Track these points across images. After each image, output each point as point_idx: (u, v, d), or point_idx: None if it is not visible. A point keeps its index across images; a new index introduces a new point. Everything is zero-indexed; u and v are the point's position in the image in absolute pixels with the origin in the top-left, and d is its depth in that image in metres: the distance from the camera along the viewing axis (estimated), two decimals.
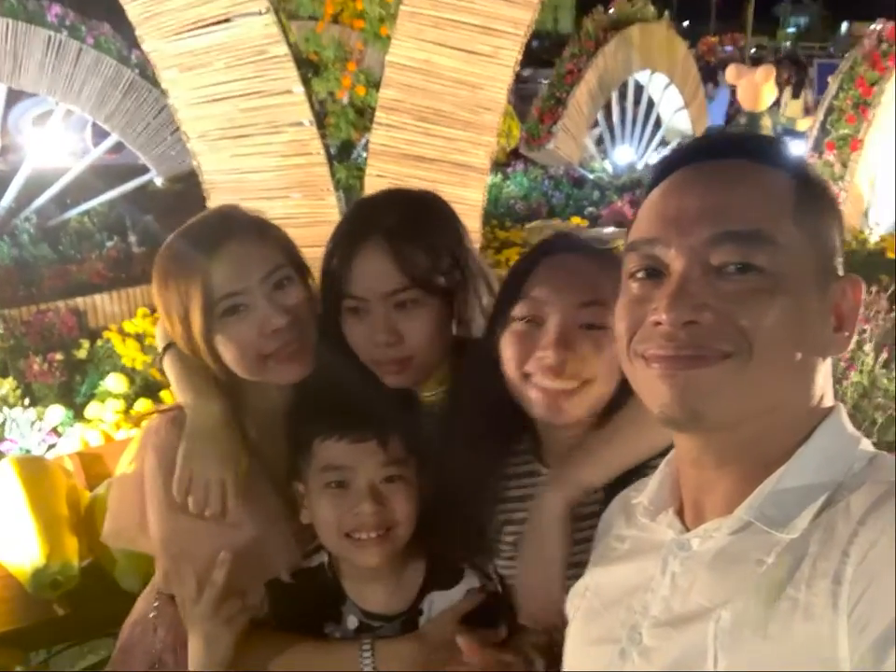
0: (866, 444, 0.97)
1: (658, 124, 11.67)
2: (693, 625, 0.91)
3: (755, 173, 0.93)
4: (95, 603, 2.37)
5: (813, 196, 0.94)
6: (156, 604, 1.64)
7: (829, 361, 0.97)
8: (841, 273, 0.95)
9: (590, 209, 8.68)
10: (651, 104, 11.37)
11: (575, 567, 1.39)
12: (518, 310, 1.33)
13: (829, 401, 0.97)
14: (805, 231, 0.91)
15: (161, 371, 1.64)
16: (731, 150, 0.96)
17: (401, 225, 1.50)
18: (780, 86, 14.28)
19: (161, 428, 1.53)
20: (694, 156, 0.98)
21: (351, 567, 1.50)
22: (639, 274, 0.96)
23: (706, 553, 0.96)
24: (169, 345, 1.60)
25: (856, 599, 0.78)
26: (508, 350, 1.34)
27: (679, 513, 1.04)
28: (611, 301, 1.25)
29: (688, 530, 1.01)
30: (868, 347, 4.97)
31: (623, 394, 1.30)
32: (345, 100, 5.77)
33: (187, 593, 1.42)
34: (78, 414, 4.31)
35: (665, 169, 1.00)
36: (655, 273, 0.94)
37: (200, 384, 1.52)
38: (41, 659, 2.71)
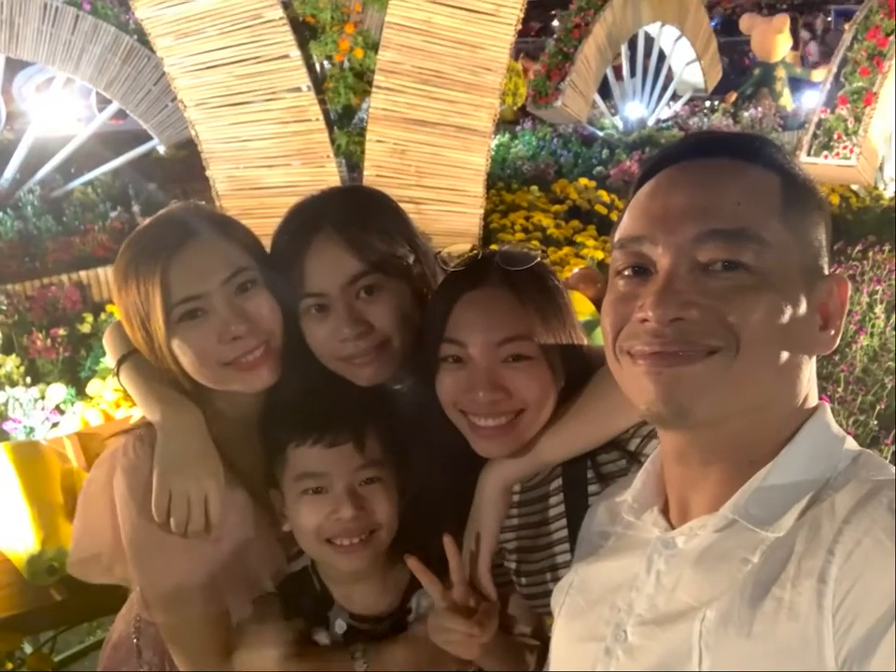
0: (851, 443, 0.96)
1: (669, 78, 11.46)
2: (677, 624, 0.91)
3: (742, 171, 0.93)
4: (93, 587, 2.38)
5: (800, 195, 0.93)
6: (137, 625, 1.59)
7: (814, 360, 0.96)
8: (827, 271, 0.95)
9: (599, 168, 8.54)
10: (661, 56, 11.15)
11: (522, 552, 1.42)
12: (443, 351, 1.33)
13: (814, 400, 0.97)
14: (791, 230, 0.90)
15: (120, 385, 1.58)
16: (718, 149, 0.96)
17: (348, 214, 1.46)
18: (796, 35, 13.96)
19: (129, 449, 1.44)
20: (682, 155, 0.97)
21: (335, 571, 1.47)
22: (626, 272, 0.96)
23: (691, 551, 0.95)
24: (123, 357, 1.52)
25: (841, 598, 0.77)
26: (441, 390, 1.34)
27: (665, 511, 1.04)
28: (536, 328, 1.28)
29: (673, 528, 1.00)
30: (879, 309, 4.89)
31: (575, 385, 1.32)
32: (344, 63, 5.67)
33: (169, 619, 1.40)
34: (81, 391, 4.33)
35: (652, 168, 0.99)
36: (642, 270, 0.94)
37: (167, 395, 1.45)
38: (49, 636, 2.75)
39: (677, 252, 0.90)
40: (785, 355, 0.89)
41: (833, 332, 0.94)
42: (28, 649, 2.68)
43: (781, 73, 12.57)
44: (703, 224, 0.89)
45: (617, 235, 0.98)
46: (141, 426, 1.47)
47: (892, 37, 6.74)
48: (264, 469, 1.48)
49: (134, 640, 1.59)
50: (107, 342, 1.60)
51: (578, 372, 1.32)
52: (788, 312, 0.88)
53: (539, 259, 1.36)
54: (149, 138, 7.43)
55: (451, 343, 1.31)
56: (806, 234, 0.92)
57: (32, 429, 3.91)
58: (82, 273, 5.85)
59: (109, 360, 4.56)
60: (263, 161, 5.55)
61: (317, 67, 5.83)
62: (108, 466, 1.48)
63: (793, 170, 0.95)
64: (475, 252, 1.41)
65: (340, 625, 1.47)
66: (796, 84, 13.05)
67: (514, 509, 1.43)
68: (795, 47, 14.75)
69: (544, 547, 1.39)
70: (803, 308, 0.90)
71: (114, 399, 3.93)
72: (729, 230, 0.88)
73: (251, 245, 1.49)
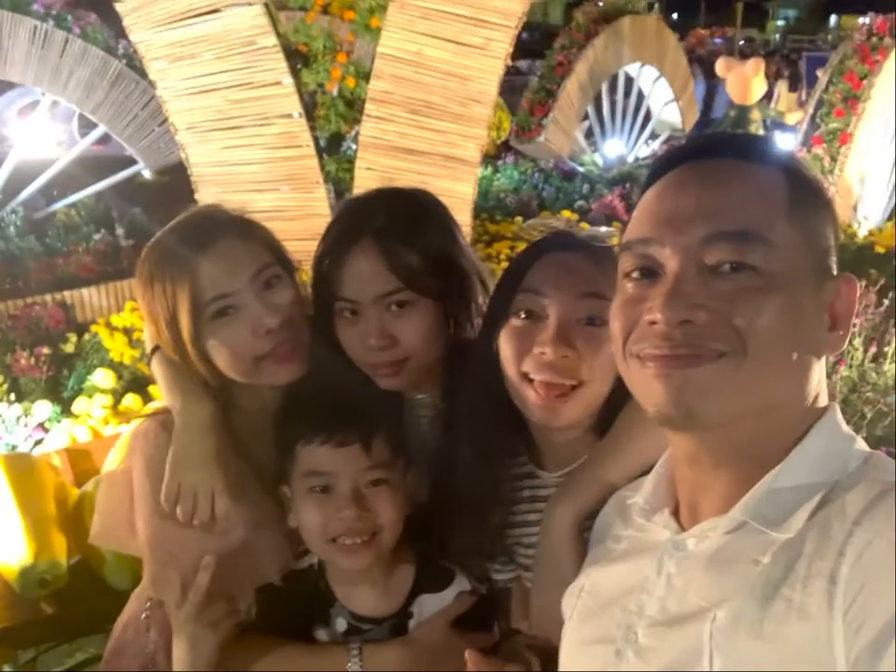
0: (861, 444, 0.97)
1: (648, 117, 11.67)
2: (688, 625, 0.91)
3: (749, 172, 0.94)
4: (84, 601, 2.34)
5: (807, 195, 0.94)
6: (148, 605, 1.62)
7: (823, 360, 0.97)
8: (835, 271, 0.96)
9: (580, 202, 8.65)
10: (640, 96, 11.36)
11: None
12: (516, 305, 1.31)
13: (823, 401, 0.97)
14: (799, 230, 0.91)
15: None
16: (725, 150, 0.97)
17: (392, 225, 1.48)
18: (769, 79, 14.29)
19: (149, 432, 1.50)
20: (688, 156, 0.98)
21: (339, 570, 1.49)
22: (634, 274, 0.96)
23: (701, 553, 0.95)
24: (156, 348, 1.56)
25: (851, 599, 0.78)
26: (506, 347, 1.32)
27: (675, 514, 1.04)
28: (610, 295, 1.24)
29: (684, 530, 1.01)
30: (858, 342, 4.98)
31: (620, 395, 1.28)
32: (335, 92, 5.73)
33: (171, 595, 1.40)
34: (66, 409, 4.28)
35: (659, 169, 1.00)
36: (650, 272, 0.94)
37: (188, 387, 1.48)
38: (29, 657, 2.69)
39: (684, 254, 0.91)
40: (794, 356, 0.90)
41: (841, 332, 0.95)
42: (8, 669, 2.62)
43: (756, 115, 12.84)
44: (710, 226, 0.90)
45: (625, 238, 0.99)
46: (164, 412, 1.52)
47: (866, 81, 6.95)
48: (275, 465, 1.50)
49: (144, 615, 1.61)
50: (147, 328, 1.63)
51: None
52: (796, 313, 0.89)
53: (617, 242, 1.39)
54: (132, 163, 7.41)
55: (530, 294, 1.30)
56: (814, 234, 0.93)
57: (14, 447, 3.85)
58: (66, 293, 5.79)
59: (98, 378, 4.50)
60: (253, 185, 5.56)
61: (305, 96, 5.89)
62: (130, 448, 1.55)
63: (800, 170, 0.96)
64: (557, 229, 1.44)
65: (340, 624, 1.48)
66: (770, 127, 13.35)
67: (527, 504, 1.43)
68: (793, 88, 15.12)
69: None
70: (811, 309, 0.91)
71: (102, 417, 3.88)
72: (736, 231, 0.89)
73: (272, 243, 1.54)
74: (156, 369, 1.55)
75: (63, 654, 3.16)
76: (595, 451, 1.31)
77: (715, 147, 0.98)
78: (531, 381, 1.29)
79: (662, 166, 0.99)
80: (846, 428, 0.97)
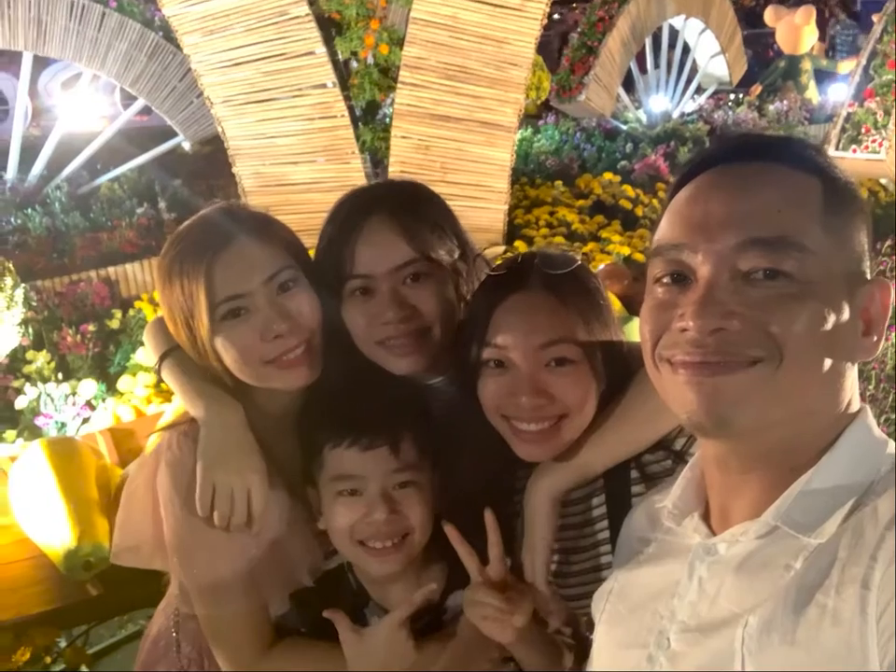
0: (893, 447, 0.95)
1: (694, 70, 11.36)
2: (720, 631, 0.90)
3: (781, 176, 0.91)
4: (129, 582, 2.39)
5: (841, 199, 0.92)
6: (176, 619, 1.61)
7: (856, 365, 0.95)
8: (869, 276, 0.93)
9: (623, 162, 8.48)
10: (686, 49, 11.05)
11: (565, 552, 1.41)
12: (485, 355, 1.33)
13: (856, 405, 0.95)
14: (833, 236, 0.89)
15: (161, 381, 1.59)
16: (757, 153, 0.94)
17: (403, 202, 1.49)
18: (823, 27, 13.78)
19: (173, 443, 1.46)
20: (720, 159, 0.96)
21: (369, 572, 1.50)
22: (665, 279, 0.95)
23: (733, 557, 0.95)
24: (166, 353, 1.53)
25: (884, 605, 0.76)
26: (484, 395, 1.34)
27: (705, 518, 1.03)
28: (578, 331, 1.28)
29: (714, 535, 1.00)
30: None
31: (615, 386, 1.32)
32: (369, 59, 5.67)
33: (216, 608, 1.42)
34: (111, 387, 4.38)
35: (690, 172, 0.97)
36: (681, 278, 0.93)
37: (209, 390, 1.46)
38: (82, 629, 2.79)
39: (717, 260, 0.89)
40: (828, 363, 0.88)
41: (875, 338, 0.93)
42: (62, 643, 2.72)
43: (807, 65, 12.43)
44: (744, 232, 0.88)
45: (655, 242, 0.97)
46: (185, 421, 1.49)
47: None
48: (302, 467, 1.49)
49: (174, 634, 1.61)
50: (148, 338, 1.62)
51: (619, 373, 1.32)
52: (831, 320, 0.87)
53: (579, 261, 1.36)
54: (174, 134, 7.46)
55: (493, 348, 1.31)
56: (848, 240, 0.91)
57: (63, 425, 3.95)
58: (110, 269, 5.89)
59: (140, 356, 4.57)
60: (289, 157, 5.57)
61: (342, 63, 5.85)
62: (153, 461, 1.51)
63: (834, 173, 0.93)
64: (515, 255, 1.41)
65: (376, 623, 1.46)
66: (822, 76, 12.90)
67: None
68: (822, 38, 14.58)
69: (587, 548, 1.39)
70: (845, 315, 0.89)
71: (145, 396, 3.96)
72: (770, 238, 0.87)
73: (292, 245, 1.51)
74: (169, 376, 1.53)
75: (115, 626, 3.29)
76: (578, 439, 1.33)
77: (747, 149, 0.96)
78: (513, 424, 1.32)
79: (693, 168, 0.97)
80: (877, 432, 0.95)
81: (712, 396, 0.88)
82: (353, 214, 1.48)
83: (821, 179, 0.92)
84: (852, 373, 0.93)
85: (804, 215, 0.89)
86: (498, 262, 1.50)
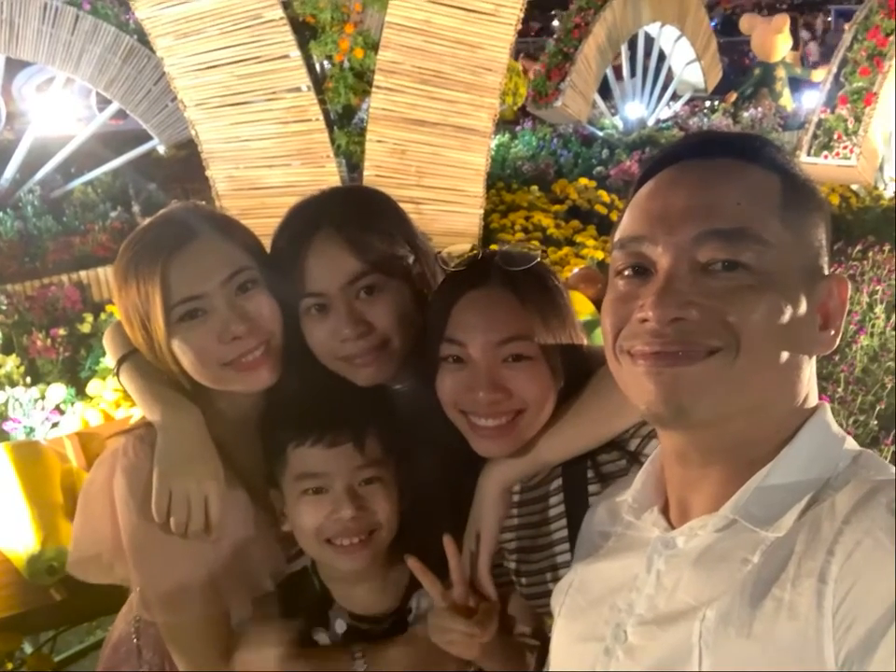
0: (851, 443, 0.96)
1: (669, 78, 11.44)
2: (678, 624, 0.90)
3: (742, 171, 0.93)
4: (93, 587, 2.36)
5: (800, 195, 0.93)
6: (137, 625, 1.58)
7: (814, 360, 0.96)
8: (827, 271, 0.95)
9: (599, 168, 8.53)
10: (661, 57, 11.13)
11: (523, 552, 1.41)
12: (443, 350, 1.33)
13: (814, 400, 0.97)
14: (791, 230, 0.90)
15: (120, 385, 1.56)
16: (718, 149, 0.96)
17: (349, 214, 1.45)
18: (796, 35, 13.94)
19: (129, 449, 1.44)
20: (682, 155, 0.97)
21: (335, 571, 1.47)
22: (626, 272, 0.96)
23: (691, 551, 0.95)
24: (124, 357, 1.51)
25: (841, 598, 0.77)
26: (442, 390, 1.34)
27: (665, 511, 1.04)
28: (536, 328, 1.28)
29: (673, 528, 1.00)
30: (879, 309, 4.89)
31: (574, 384, 1.32)
32: (344, 63, 5.67)
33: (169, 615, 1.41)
34: (81, 392, 4.33)
35: (652, 168, 0.99)
36: (642, 270, 0.94)
37: (167, 395, 1.44)
38: (49, 636, 2.75)
39: (677, 252, 0.90)
40: (785, 355, 0.90)
41: (833, 332, 0.94)
42: (28, 649, 2.68)
43: (781, 73, 12.55)
44: (703, 224, 0.89)
45: (617, 235, 0.98)
46: (141, 426, 1.46)
47: (892, 37, 6.73)
48: (264, 469, 1.48)
49: (134, 640, 1.59)
50: (107, 342, 1.59)
51: (578, 372, 1.33)
52: (788, 312, 0.88)
53: (538, 259, 1.36)
54: (149, 138, 7.42)
55: (451, 343, 1.31)
56: (807, 235, 0.92)
57: (32, 429, 3.91)
58: (82, 273, 5.84)
59: (109, 360, 4.55)
60: (263, 161, 5.55)
61: (317, 67, 5.83)
62: (108, 466, 1.47)
63: (794, 170, 0.95)
64: (475, 252, 1.41)
65: (340, 625, 1.46)
66: (796, 84, 13.03)
67: (514, 509, 1.43)
68: (795, 47, 14.73)
69: (544, 547, 1.39)
70: (803, 308, 0.90)
71: (114, 399, 3.92)
72: (729, 229, 0.88)
73: (251, 246, 1.49)
74: (127, 381, 1.51)
75: (83, 633, 3.24)
76: (551, 423, 1.33)
77: (709, 146, 0.97)
78: (470, 420, 1.32)
79: (655, 165, 0.98)
80: (836, 428, 0.97)
81: (671, 386, 0.89)
82: (301, 229, 1.45)
83: (780, 175, 0.93)
84: (810, 367, 0.95)
85: (763, 208, 0.90)
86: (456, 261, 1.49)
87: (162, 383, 1.45)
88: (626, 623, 0.97)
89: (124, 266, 1.42)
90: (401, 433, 1.45)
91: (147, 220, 1.49)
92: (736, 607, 0.84)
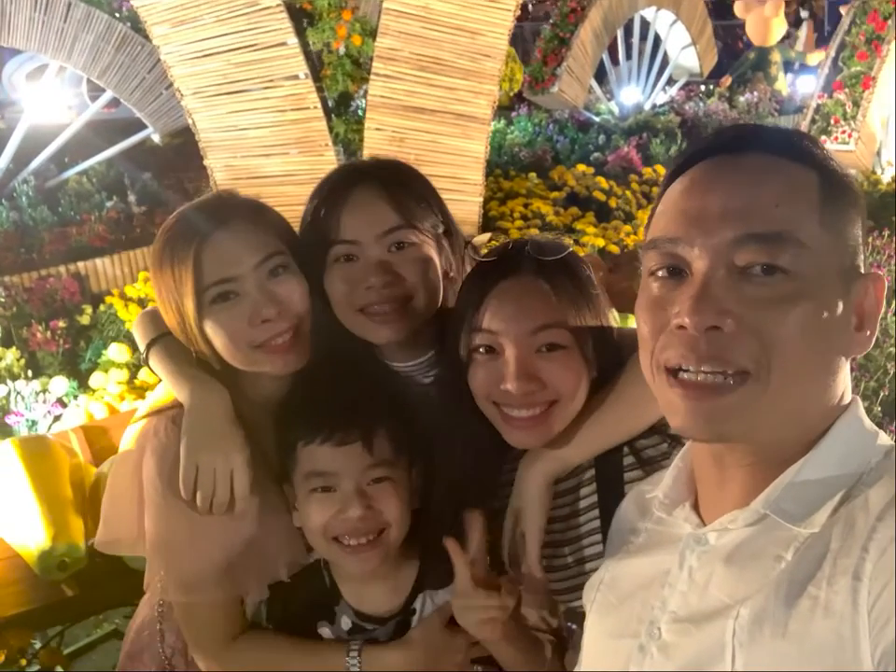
0: (884, 438, 0.95)
1: (665, 62, 11.40)
2: (711, 622, 0.90)
3: (779, 169, 0.91)
4: (104, 582, 2.37)
5: (837, 192, 0.91)
6: (160, 610, 1.61)
7: (848, 360, 0.94)
8: (863, 270, 0.93)
9: (596, 154, 8.50)
10: (657, 41, 11.09)
11: (553, 546, 1.41)
12: (475, 341, 1.32)
13: (847, 397, 0.96)
14: (829, 231, 0.89)
15: (150, 369, 1.58)
16: (753, 144, 0.93)
17: (391, 173, 1.52)
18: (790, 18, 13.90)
19: (160, 429, 1.46)
20: (716, 150, 0.95)
21: (345, 570, 1.47)
22: (660, 273, 0.94)
23: (723, 547, 0.95)
24: (153, 341, 1.54)
25: (876, 595, 0.76)
26: (474, 382, 1.34)
27: (696, 507, 1.03)
28: (569, 317, 1.28)
29: (705, 524, 1.00)
30: None
31: (607, 373, 1.32)
32: (342, 50, 5.61)
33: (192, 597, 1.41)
34: (83, 383, 4.31)
35: (685, 162, 0.96)
36: (677, 271, 0.92)
37: (195, 374, 1.46)
38: (57, 630, 2.75)
39: (714, 255, 0.88)
40: (821, 363, 0.89)
41: (868, 333, 0.93)
42: (38, 644, 2.68)
43: (776, 57, 12.52)
44: (741, 227, 0.88)
45: (650, 234, 0.96)
46: (174, 406, 1.48)
47: (891, 21, 6.71)
48: (278, 464, 1.49)
49: (158, 625, 1.61)
50: (137, 328, 1.63)
51: (610, 361, 1.32)
52: (825, 317, 0.87)
53: (570, 248, 1.36)
54: (143, 127, 7.35)
55: (484, 333, 1.31)
56: (844, 234, 0.91)
57: (34, 423, 3.89)
58: (80, 264, 5.80)
59: (113, 352, 4.50)
60: (261, 149, 5.51)
61: (314, 54, 5.79)
62: (138, 449, 1.50)
63: (831, 165, 0.93)
64: (506, 242, 1.41)
65: (345, 622, 1.48)
66: (791, 68, 13.01)
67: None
68: (797, 25, 14.72)
69: (573, 540, 1.39)
70: (839, 311, 0.89)
71: (118, 392, 3.90)
72: (768, 233, 0.87)
73: (283, 231, 1.52)
74: (157, 363, 1.53)
75: (90, 626, 3.24)
76: (569, 425, 1.33)
77: (743, 140, 0.95)
78: (503, 411, 1.32)
79: (688, 159, 0.96)
80: (868, 423, 0.96)
81: (706, 417, 0.89)
82: (339, 184, 1.50)
83: (818, 171, 0.91)
84: (845, 367, 0.93)
85: (801, 209, 0.88)
86: (485, 251, 1.50)
87: (191, 364, 1.48)
88: (660, 620, 0.97)
89: (160, 250, 1.46)
90: (415, 432, 1.45)
91: (181, 207, 1.52)
92: (771, 605, 0.84)
